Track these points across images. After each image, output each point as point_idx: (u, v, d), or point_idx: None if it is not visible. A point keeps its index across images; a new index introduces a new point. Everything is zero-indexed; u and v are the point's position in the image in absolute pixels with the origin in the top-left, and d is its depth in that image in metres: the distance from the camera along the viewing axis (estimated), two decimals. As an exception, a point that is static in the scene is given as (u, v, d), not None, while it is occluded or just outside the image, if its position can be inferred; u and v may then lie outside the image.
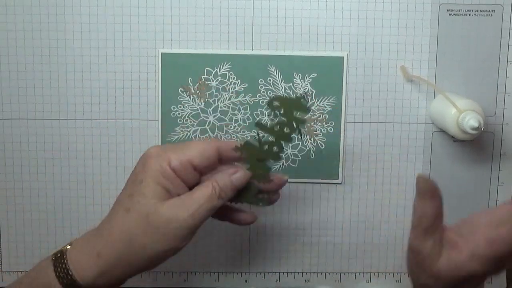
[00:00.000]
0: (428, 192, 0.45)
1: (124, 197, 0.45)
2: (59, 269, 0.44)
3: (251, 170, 0.46)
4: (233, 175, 0.45)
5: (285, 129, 0.45)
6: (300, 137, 0.46)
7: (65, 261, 0.44)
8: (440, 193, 0.45)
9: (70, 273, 0.44)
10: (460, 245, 0.44)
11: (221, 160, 0.46)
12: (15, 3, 0.56)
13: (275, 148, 0.46)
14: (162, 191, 0.44)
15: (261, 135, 0.46)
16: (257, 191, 0.47)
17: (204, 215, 0.44)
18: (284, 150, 0.47)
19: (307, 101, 0.46)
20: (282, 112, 0.45)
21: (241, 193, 0.47)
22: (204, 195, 0.44)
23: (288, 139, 0.46)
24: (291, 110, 0.45)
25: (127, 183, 0.46)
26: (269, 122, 0.46)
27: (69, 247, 0.45)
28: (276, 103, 0.45)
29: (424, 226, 0.45)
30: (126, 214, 0.44)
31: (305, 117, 0.45)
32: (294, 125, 0.45)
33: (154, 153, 0.45)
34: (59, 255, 0.45)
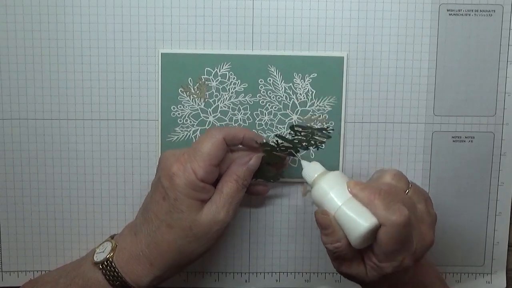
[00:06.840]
0: (329, 227, 0.47)
1: (161, 213, 0.48)
2: (110, 276, 0.49)
3: (267, 158, 0.51)
4: (249, 163, 0.50)
5: (303, 144, 0.51)
6: (317, 149, 0.53)
7: (116, 269, 0.49)
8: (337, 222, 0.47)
9: (124, 279, 0.49)
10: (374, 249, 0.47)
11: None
12: (15, 3, 0.56)
13: (289, 150, 0.51)
14: (197, 203, 0.48)
15: (280, 141, 0.51)
16: (267, 170, 0.53)
17: (236, 207, 0.50)
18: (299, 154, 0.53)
19: (329, 132, 0.51)
20: (302, 134, 0.50)
21: (255, 172, 0.52)
22: (231, 190, 0.49)
23: (305, 149, 0.52)
24: (312, 134, 0.51)
25: (155, 196, 0.49)
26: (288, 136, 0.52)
27: (111, 254, 0.49)
28: (298, 129, 0.50)
29: (343, 257, 0.48)
30: (170, 229, 0.48)
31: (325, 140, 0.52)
32: (313, 142, 0.51)
33: (177, 170, 0.47)
34: (105, 263, 0.49)
